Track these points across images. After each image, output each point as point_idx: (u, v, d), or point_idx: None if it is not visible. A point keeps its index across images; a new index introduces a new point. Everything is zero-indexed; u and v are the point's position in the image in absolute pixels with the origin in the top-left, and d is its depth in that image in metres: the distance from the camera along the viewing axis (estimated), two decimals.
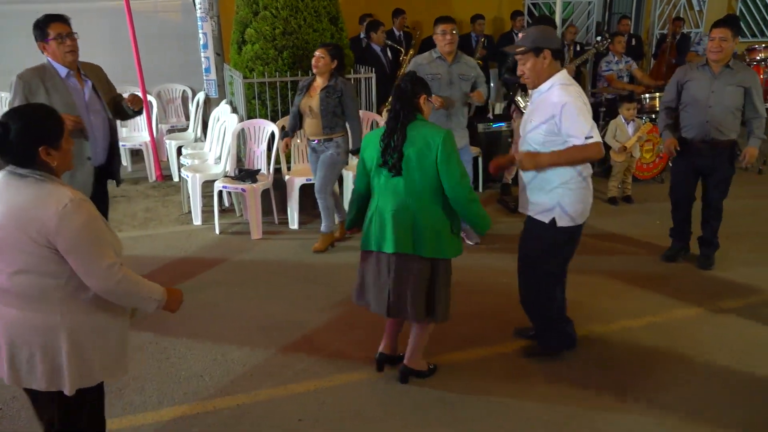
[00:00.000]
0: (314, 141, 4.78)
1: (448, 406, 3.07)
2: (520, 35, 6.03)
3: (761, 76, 7.13)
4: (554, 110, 2.94)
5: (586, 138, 2.89)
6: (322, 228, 4.99)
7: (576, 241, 3.24)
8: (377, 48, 6.93)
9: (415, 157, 2.85)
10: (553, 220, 3.08)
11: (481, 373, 3.35)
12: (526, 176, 3.18)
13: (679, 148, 4.41)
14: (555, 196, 3.06)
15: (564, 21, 9.57)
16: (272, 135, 5.46)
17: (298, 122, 4.84)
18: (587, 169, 3.11)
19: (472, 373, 3.35)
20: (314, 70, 4.62)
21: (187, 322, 3.88)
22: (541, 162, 3.01)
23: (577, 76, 8.47)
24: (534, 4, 9.66)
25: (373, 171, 3.00)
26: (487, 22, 8.72)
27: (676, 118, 4.54)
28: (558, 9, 7.07)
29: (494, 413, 3.01)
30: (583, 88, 8.64)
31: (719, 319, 3.88)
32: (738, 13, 10.65)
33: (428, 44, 8.25)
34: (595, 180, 6.78)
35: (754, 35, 11.02)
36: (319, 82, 4.67)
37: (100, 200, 3.79)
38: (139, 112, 3.92)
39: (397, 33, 7.68)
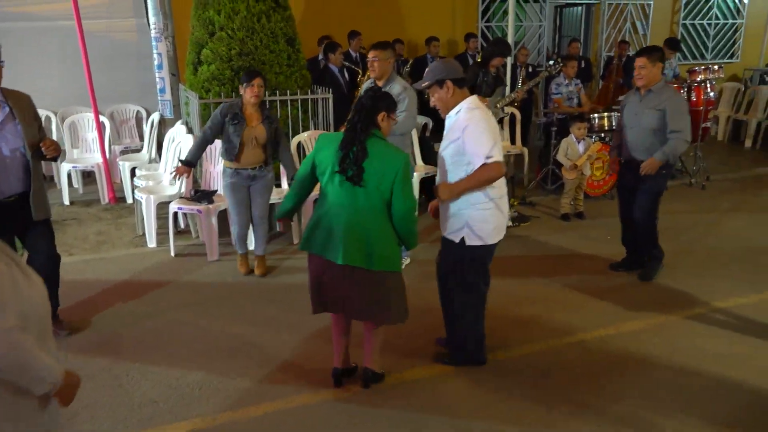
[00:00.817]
0: (253, 169, 4.63)
1: (410, 423, 3.07)
2: (478, 57, 6.21)
3: (701, 97, 7.47)
4: (459, 132, 3.13)
5: (487, 158, 3.05)
6: (261, 251, 4.95)
7: (487, 260, 3.39)
8: (335, 69, 6.99)
9: (375, 174, 2.89)
10: (463, 240, 3.25)
11: (444, 389, 3.37)
12: (441, 205, 3.37)
13: (616, 168, 4.85)
14: (464, 217, 3.24)
15: (516, 43, 9.85)
16: None
17: (201, 152, 4.77)
18: (496, 191, 3.23)
19: (435, 389, 3.36)
20: (254, 100, 4.49)
21: (141, 347, 3.78)
22: (456, 191, 3.19)
23: (530, 97, 8.74)
24: (487, 27, 9.91)
25: (327, 175, 3.00)
26: (442, 44, 8.92)
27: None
28: (510, 31, 7.28)
29: (457, 429, 3.03)
30: (535, 108, 8.91)
31: (670, 330, 4.01)
32: (679, 37, 11.15)
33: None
34: (548, 197, 7.05)
35: (695, 57, 11.56)
36: (254, 111, 4.56)
37: (35, 230, 3.69)
38: (54, 159, 3.75)
39: (353, 54, 7.77)
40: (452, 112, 3.23)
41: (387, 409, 3.19)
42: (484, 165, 3.06)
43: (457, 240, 3.27)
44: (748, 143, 9.94)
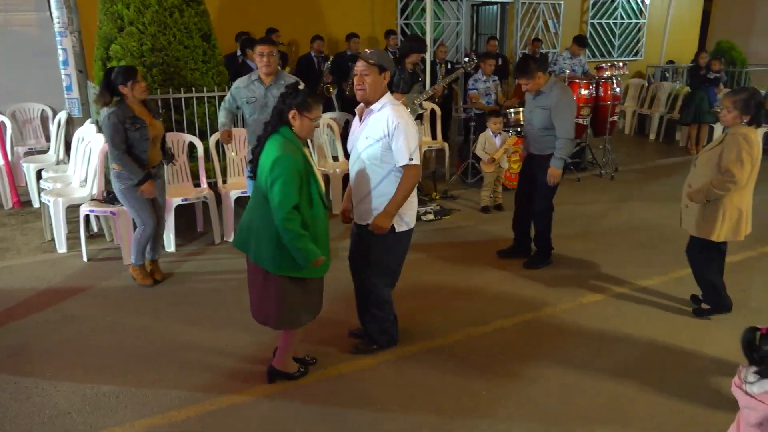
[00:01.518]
0: (153, 167, 4.41)
1: (334, 417, 3.08)
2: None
3: (609, 92, 7.88)
4: (388, 129, 3.17)
5: (410, 159, 3.16)
6: (155, 255, 4.70)
7: (409, 242, 3.50)
8: (253, 65, 6.85)
9: (260, 168, 2.98)
10: (393, 228, 3.33)
11: (368, 381, 3.40)
12: (360, 192, 3.36)
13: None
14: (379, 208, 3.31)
15: (435, 41, 10.02)
16: None
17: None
18: None
19: (361, 381, 3.39)
20: (143, 96, 4.26)
21: (52, 358, 3.59)
22: (390, 212, 3.24)
23: (450, 93, 8.92)
24: (406, 24, 10.03)
25: None
26: (362, 41, 8.94)
27: None
28: (428, 29, 7.40)
29: (380, 422, 3.06)
30: (455, 103, 9.10)
31: (583, 313, 4.21)
32: (588, 36, 11.71)
33: (305, 61, 8.35)
34: (469, 190, 7.20)
35: (602, 55, 12.16)
36: (142, 108, 4.31)
37: None
38: None
39: None
40: (375, 106, 3.24)
41: (312, 404, 3.18)
42: (407, 169, 3.18)
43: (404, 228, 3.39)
44: (652, 136, 10.57)
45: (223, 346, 3.74)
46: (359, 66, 3.21)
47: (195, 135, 5.63)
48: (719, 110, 4.19)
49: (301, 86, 3.02)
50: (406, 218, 3.37)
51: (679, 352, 3.71)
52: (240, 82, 4.80)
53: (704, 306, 4.22)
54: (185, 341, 3.81)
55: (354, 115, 3.50)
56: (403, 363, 3.58)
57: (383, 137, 3.18)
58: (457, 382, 3.40)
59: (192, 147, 5.58)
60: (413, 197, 3.40)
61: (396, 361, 3.60)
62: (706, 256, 4.06)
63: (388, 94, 3.30)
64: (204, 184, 5.56)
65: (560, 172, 4.64)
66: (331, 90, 8.06)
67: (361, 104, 3.36)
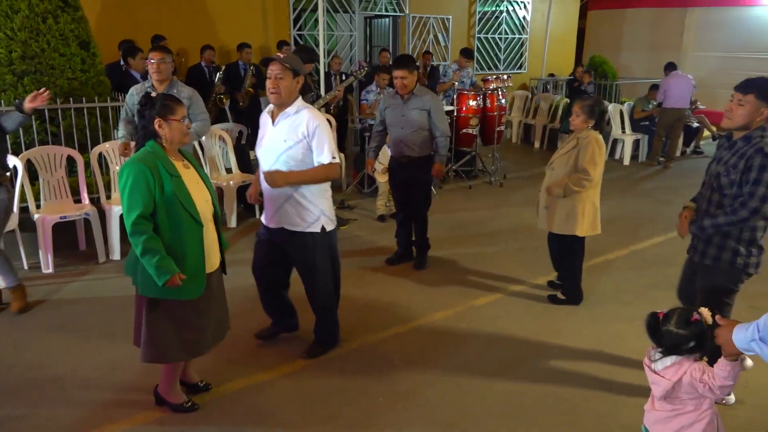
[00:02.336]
0: None
1: None
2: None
3: (495, 103, 8.28)
4: (308, 131, 3.26)
5: (332, 158, 3.30)
6: (10, 282, 4.24)
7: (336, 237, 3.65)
8: (137, 74, 6.59)
9: None
10: (323, 227, 3.44)
11: (266, 396, 3.34)
12: (279, 198, 3.36)
13: (373, 169, 5.36)
14: (318, 206, 3.42)
15: (329, 52, 10.09)
16: (15, 169, 4.85)
17: None
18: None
19: (258, 397, 3.32)
20: None
21: None
22: (290, 179, 3.27)
23: (345, 104, 9.00)
24: (300, 35, 10.02)
25: None
26: (255, 51, 8.84)
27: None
28: (321, 40, 7.44)
29: None
30: (351, 114, 9.18)
31: (474, 315, 4.37)
32: (475, 49, 12.26)
33: (195, 71, 8.12)
34: (365, 200, 7.28)
35: (489, 68, 12.76)
36: None
37: None
38: None
39: None
40: (290, 110, 3.28)
41: (206, 425, 3.08)
42: (329, 164, 3.28)
43: (318, 230, 3.43)
44: (537, 144, 11.20)
45: (107, 371, 3.54)
46: (274, 69, 3.23)
47: (74, 148, 5.30)
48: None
49: (154, 94, 2.87)
50: (331, 216, 3.52)
51: (561, 345, 3.94)
52: (134, 90, 4.72)
53: (560, 296, 4.58)
54: (60, 368, 3.56)
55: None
56: (301, 375, 3.56)
57: (303, 139, 3.24)
58: (356, 389, 3.42)
59: (71, 161, 5.25)
60: (331, 198, 3.52)
61: (293, 373, 3.57)
62: (571, 251, 4.42)
63: (300, 99, 3.35)
64: (85, 200, 5.24)
65: (444, 168, 4.93)
66: (224, 100, 7.89)
67: (271, 106, 3.37)
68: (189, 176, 2.89)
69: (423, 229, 5.18)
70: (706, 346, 2.20)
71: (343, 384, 3.47)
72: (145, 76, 6.65)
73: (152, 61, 4.54)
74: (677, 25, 14.18)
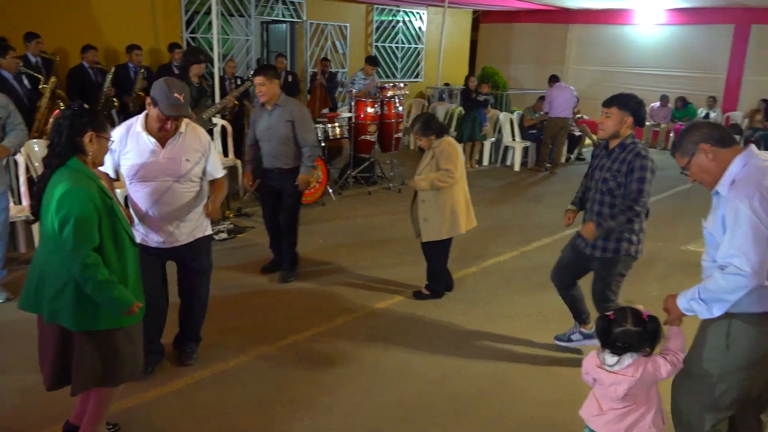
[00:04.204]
0: None
1: None
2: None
3: (392, 111, 8.41)
4: (204, 147, 3.38)
5: (224, 169, 3.55)
6: None
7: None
8: (8, 75, 6.08)
9: (43, 209, 2.52)
10: (210, 234, 3.62)
11: (155, 414, 3.17)
12: (181, 213, 3.35)
13: (252, 183, 5.17)
14: (201, 214, 3.48)
15: (224, 56, 9.84)
16: None
17: None
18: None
19: (146, 415, 3.14)
20: None
21: None
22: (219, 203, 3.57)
23: (241, 109, 8.80)
24: (193, 38, 9.69)
25: None
26: (145, 53, 8.43)
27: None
28: (215, 44, 7.23)
29: None
30: (247, 119, 8.99)
31: (373, 320, 4.40)
32: None
33: (78, 72, 7.62)
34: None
35: (387, 77, 12.98)
36: None
37: None
38: None
39: (33, 59, 6.84)
40: (183, 128, 3.26)
41: None
42: (222, 177, 3.52)
43: (209, 232, 3.57)
44: None
45: (7, 401, 3.23)
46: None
47: None
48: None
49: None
50: (207, 223, 3.57)
51: (457, 344, 4.05)
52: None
53: (424, 291, 4.81)
54: None
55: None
56: (194, 390, 3.42)
57: (202, 155, 3.34)
58: (251, 401, 3.33)
59: None
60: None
61: (185, 388, 3.42)
62: (441, 252, 4.71)
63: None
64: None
65: (309, 178, 4.92)
66: (115, 104, 7.48)
67: (139, 124, 3.22)
68: (116, 202, 2.71)
69: (292, 242, 5.06)
70: (659, 339, 2.40)
71: (238, 397, 3.37)
72: (18, 77, 6.18)
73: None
74: (561, 40, 15.12)
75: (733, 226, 2.22)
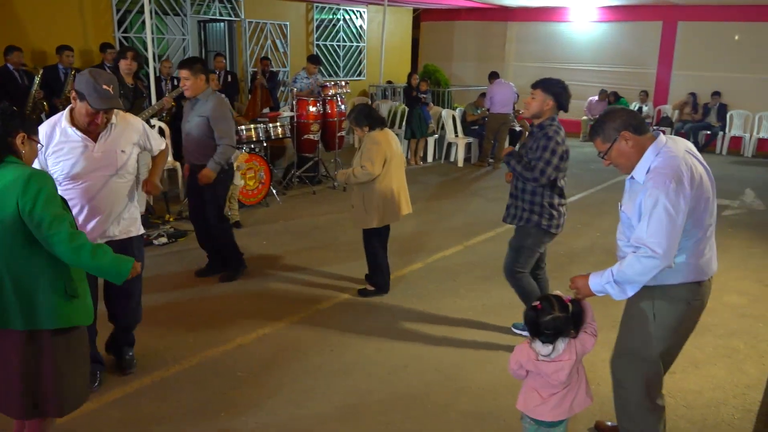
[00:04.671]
0: None
1: None
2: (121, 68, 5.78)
3: (335, 109, 8.37)
4: (139, 133, 3.34)
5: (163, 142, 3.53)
6: None
7: None
8: None
9: None
10: (143, 234, 3.51)
11: (94, 426, 3.05)
12: (117, 208, 3.25)
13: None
14: (137, 211, 3.42)
15: (160, 56, 9.57)
16: None
17: None
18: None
19: (83, 429, 3.02)
20: None
21: None
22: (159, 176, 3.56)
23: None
24: (126, 38, 9.38)
25: None
26: (75, 54, 8.11)
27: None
28: (149, 43, 7.02)
29: None
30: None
31: (319, 318, 4.37)
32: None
33: (2, 74, 7.25)
34: None
35: (330, 75, 12.91)
36: None
37: None
38: None
39: None
40: (113, 120, 3.16)
41: None
42: (166, 148, 3.54)
43: (142, 231, 3.47)
44: None
45: None
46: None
47: None
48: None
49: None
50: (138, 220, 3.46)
51: (405, 340, 4.06)
52: None
53: (369, 287, 4.82)
54: None
55: None
56: (133, 399, 3.31)
57: (136, 142, 3.30)
58: (194, 409, 3.25)
59: None
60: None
61: (124, 398, 3.31)
62: (376, 243, 4.70)
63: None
64: None
65: (214, 175, 4.66)
66: (45, 107, 7.17)
67: (65, 120, 3.07)
68: None
69: (223, 240, 4.95)
70: (582, 320, 2.53)
71: (181, 404, 3.28)
72: None
73: None
74: (500, 37, 15.42)
75: (650, 213, 2.37)
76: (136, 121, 3.35)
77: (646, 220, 2.38)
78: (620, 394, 2.76)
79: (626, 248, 2.55)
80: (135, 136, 3.29)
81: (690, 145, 2.60)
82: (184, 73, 4.56)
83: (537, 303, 2.50)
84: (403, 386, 3.53)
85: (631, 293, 2.49)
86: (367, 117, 4.57)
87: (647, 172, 2.46)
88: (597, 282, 2.53)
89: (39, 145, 2.53)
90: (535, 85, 3.72)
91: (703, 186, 2.47)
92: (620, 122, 2.53)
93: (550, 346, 2.46)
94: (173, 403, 3.29)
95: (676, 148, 2.49)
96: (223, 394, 3.39)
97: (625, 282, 2.46)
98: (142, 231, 3.46)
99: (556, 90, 3.66)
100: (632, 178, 2.55)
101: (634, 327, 2.64)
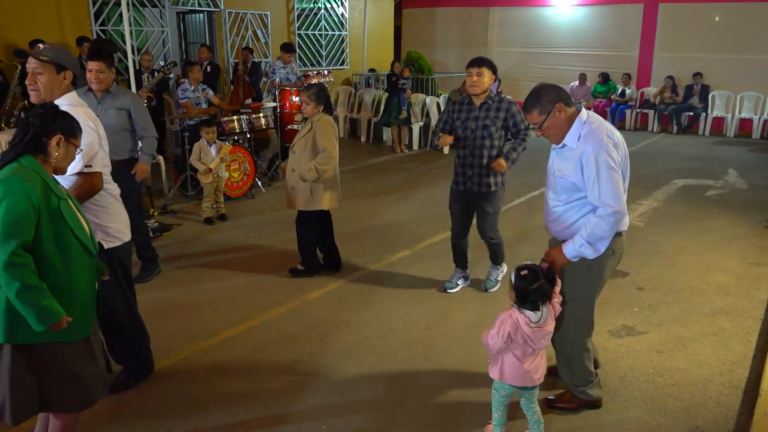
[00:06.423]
0: None
1: None
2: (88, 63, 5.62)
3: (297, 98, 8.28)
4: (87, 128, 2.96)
5: (86, 166, 2.88)
6: None
7: (127, 258, 3.29)
8: None
9: None
10: (102, 245, 3.02)
11: (85, 420, 3.01)
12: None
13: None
14: (101, 222, 3.09)
15: (138, 49, 9.44)
16: None
17: None
18: (115, 187, 3.21)
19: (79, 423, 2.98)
20: None
21: None
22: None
23: (160, 104, 8.49)
24: (103, 31, 9.23)
25: None
26: None
27: None
28: (127, 36, 6.91)
29: None
30: (169, 113, 8.69)
31: (306, 309, 4.35)
32: (297, 46, 12.22)
33: None
34: (190, 203, 6.96)
35: (312, 64, 12.82)
36: None
37: None
38: None
39: None
40: (61, 102, 2.85)
41: None
42: (83, 175, 2.87)
43: (105, 246, 3.07)
44: (363, 138, 11.49)
45: None
46: (31, 64, 2.85)
47: None
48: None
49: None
50: (110, 231, 3.14)
51: (394, 329, 4.07)
52: None
53: (300, 266, 4.91)
54: None
55: None
56: (122, 394, 3.26)
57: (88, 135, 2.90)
58: (184, 403, 3.22)
59: None
60: (121, 209, 3.24)
61: (113, 400, 3.26)
62: (312, 226, 4.78)
63: (72, 93, 2.97)
64: None
65: (149, 167, 4.62)
66: (25, 103, 7.03)
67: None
68: (70, 205, 2.41)
69: (141, 239, 4.69)
70: (554, 286, 2.72)
71: (169, 400, 3.26)
72: None
73: None
74: (482, 22, 15.37)
75: (597, 174, 2.68)
76: (86, 118, 3.00)
77: (596, 182, 2.68)
78: (565, 338, 3.04)
79: (557, 209, 2.90)
80: (88, 130, 3.05)
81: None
82: (96, 65, 4.22)
83: (525, 271, 2.63)
84: (393, 373, 3.53)
85: (603, 249, 2.78)
86: (326, 98, 4.61)
87: (578, 139, 2.76)
88: (571, 249, 2.80)
89: (78, 149, 2.46)
90: (480, 64, 4.13)
91: (624, 147, 2.82)
92: (554, 95, 2.79)
93: (539, 312, 2.61)
94: (163, 397, 3.26)
95: (599, 118, 2.83)
96: (212, 387, 3.37)
97: (597, 241, 2.75)
98: (103, 245, 3.13)
99: (494, 67, 4.22)
100: (564, 146, 2.83)
101: (576, 279, 2.93)
